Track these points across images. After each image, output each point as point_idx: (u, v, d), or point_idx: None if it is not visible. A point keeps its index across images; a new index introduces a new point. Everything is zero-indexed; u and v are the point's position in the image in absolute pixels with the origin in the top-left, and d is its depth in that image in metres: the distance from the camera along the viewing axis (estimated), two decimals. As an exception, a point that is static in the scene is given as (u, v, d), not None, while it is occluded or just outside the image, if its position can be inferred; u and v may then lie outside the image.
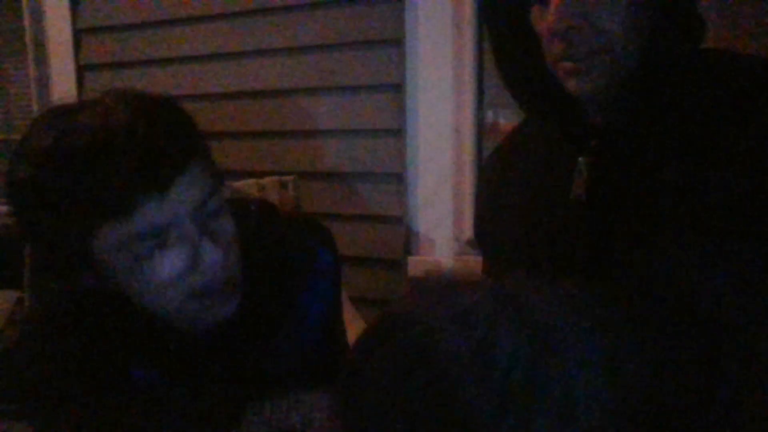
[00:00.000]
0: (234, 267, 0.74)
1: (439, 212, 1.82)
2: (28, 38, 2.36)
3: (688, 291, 0.49)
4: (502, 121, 1.87)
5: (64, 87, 2.33)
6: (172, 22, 2.12)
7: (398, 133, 1.83)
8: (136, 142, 0.63)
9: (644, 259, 0.63)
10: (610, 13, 0.71)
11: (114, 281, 0.70)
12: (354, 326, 1.41)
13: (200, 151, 0.71)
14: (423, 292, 0.39)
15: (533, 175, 0.86)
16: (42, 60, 2.35)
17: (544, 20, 0.74)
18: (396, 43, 1.81)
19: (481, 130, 1.84)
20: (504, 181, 0.92)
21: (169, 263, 0.67)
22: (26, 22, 2.36)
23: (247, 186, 1.62)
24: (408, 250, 1.86)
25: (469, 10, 1.76)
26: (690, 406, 0.41)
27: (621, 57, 0.73)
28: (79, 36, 2.30)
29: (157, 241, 0.66)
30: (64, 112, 0.68)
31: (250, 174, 1.83)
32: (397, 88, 1.82)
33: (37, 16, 2.34)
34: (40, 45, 2.35)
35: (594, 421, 0.36)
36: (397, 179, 1.85)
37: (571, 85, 0.75)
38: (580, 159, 0.78)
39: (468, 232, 1.81)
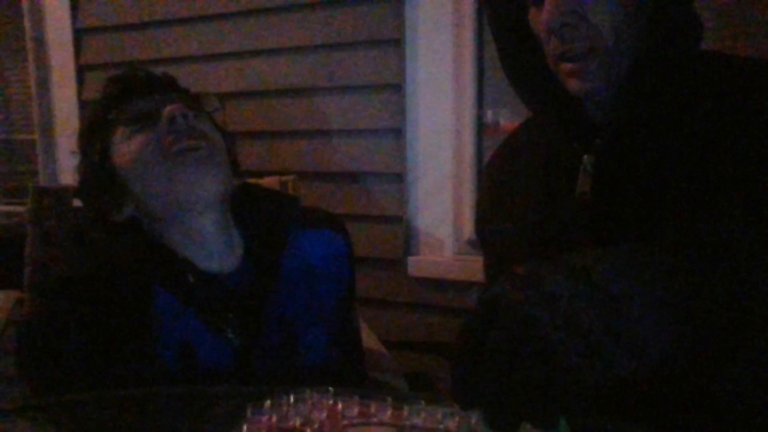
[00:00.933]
0: (212, 151, 0.88)
1: (439, 212, 1.83)
2: (28, 38, 2.36)
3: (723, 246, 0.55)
4: (502, 121, 1.87)
5: (64, 87, 2.33)
6: (172, 22, 2.12)
7: (398, 133, 1.83)
8: (137, 76, 0.93)
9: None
10: (602, 10, 0.72)
11: (139, 196, 0.89)
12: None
13: (180, 92, 0.94)
14: (515, 278, 0.49)
15: (537, 173, 0.87)
16: (42, 60, 2.35)
17: (540, 19, 0.75)
18: (396, 43, 1.81)
19: (481, 130, 1.84)
20: (507, 180, 0.92)
21: (143, 140, 0.87)
22: (26, 22, 2.36)
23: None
24: (408, 250, 1.86)
25: (469, 10, 1.76)
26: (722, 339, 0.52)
27: (614, 55, 0.74)
28: (79, 36, 2.30)
29: (137, 126, 0.88)
30: None
31: (250, 174, 1.83)
32: (397, 88, 1.82)
33: (37, 16, 2.34)
34: (40, 45, 2.35)
35: (658, 355, 0.48)
36: (397, 179, 1.85)
37: (572, 85, 0.76)
38: (585, 157, 0.79)
39: (468, 231, 1.81)
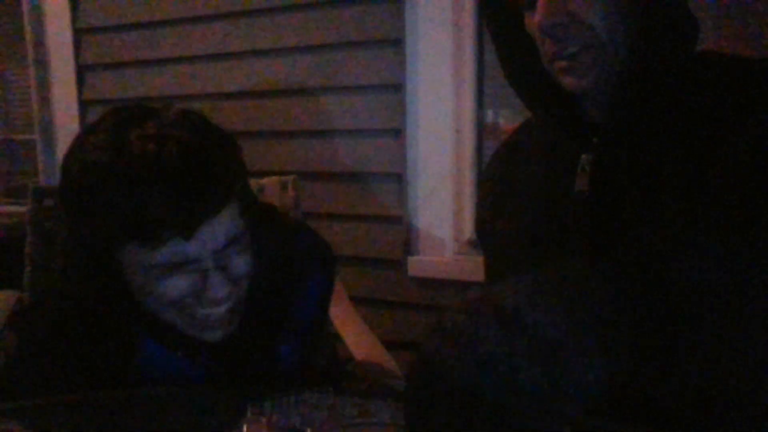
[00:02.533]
0: (237, 301, 0.78)
1: (439, 212, 1.83)
2: (28, 38, 2.36)
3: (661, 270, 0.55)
4: (502, 121, 1.87)
5: (64, 87, 2.33)
6: (172, 22, 2.12)
7: (398, 133, 1.83)
8: (176, 181, 0.68)
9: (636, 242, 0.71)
10: (594, 9, 0.73)
11: (128, 283, 0.76)
12: (352, 326, 1.41)
13: (238, 193, 0.76)
14: (446, 336, 0.48)
15: (536, 173, 0.88)
16: (42, 60, 2.35)
17: (534, 22, 0.76)
18: (396, 43, 1.81)
19: (481, 130, 1.84)
20: (506, 180, 0.93)
21: (176, 288, 0.73)
22: (26, 23, 2.36)
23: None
24: (408, 250, 1.86)
25: (469, 10, 1.76)
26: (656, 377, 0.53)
27: (608, 52, 0.74)
28: (79, 36, 2.30)
29: (171, 270, 0.72)
30: (124, 121, 0.72)
31: (250, 174, 1.83)
32: (397, 88, 1.82)
33: (37, 16, 2.34)
34: (40, 45, 2.35)
35: (598, 391, 0.47)
36: (397, 179, 1.85)
37: (567, 82, 0.77)
38: (583, 156, 0.79)
39: (468, 231, 1.81)
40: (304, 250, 0.95)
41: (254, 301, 0.83)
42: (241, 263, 0.77)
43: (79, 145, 0.73)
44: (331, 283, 0.99)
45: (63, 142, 2.37)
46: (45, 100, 2.37)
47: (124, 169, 0.68)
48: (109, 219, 0.69)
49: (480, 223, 0.99)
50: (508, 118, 1.85)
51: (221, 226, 0.72)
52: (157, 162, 0.67)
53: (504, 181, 0.93)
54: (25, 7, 2.35)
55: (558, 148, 0.85)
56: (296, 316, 0.93)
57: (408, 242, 1.86)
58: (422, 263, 1.84)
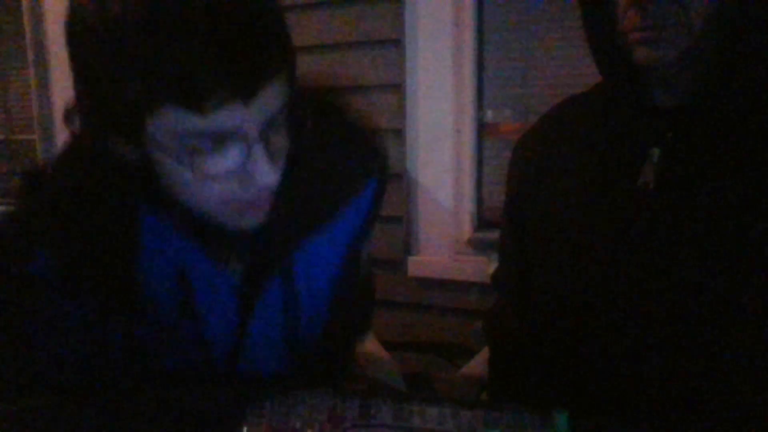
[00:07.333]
0: (276, 184, 0.64)
1: (439, 212, 1.83)
2: (28, 38, 2.37)
3: None
4: (502, 121, 1.87)
5: (64, 87, 2.33)
6: (172, 22, 2.12)
7: (398, 133, 1.83)
8: (233, 33, 0.55)
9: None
10: None
11: (157, 165, 0.62)
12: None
13: (290, 58, 0.64)
14: None
15: (591, 156, 0.84)
16: (42, 60, 2.35)
17: None
18: (396, 43, 1.81)
19: (481, 130, 1.84)
20: (551, 159, 0.89)
21: (221, 166, 0.59)
22: (26, 23, 2.36)
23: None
24: (408, 250, 1.86)
25: (469, 10, 1.76)
26: None
27: (697, 32, 0.70)
28: (79, 36, 2.30)
29: (216, 141, 0.58)
30: None
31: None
32: (397, 88, 1.82)
33: (37, 16, 2.34)
34: (40, 45, 2.35)
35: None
36: (397, 179, 1.85)
37: (640, 53, 0.73)
38: (654, 149, 0.76)
39: (468, 231, 1.81)
40: (356, 160, 0.80)
41: (286, 193, 0.68)
42: (282, 140, 0.64)
43: None
44: (380, 196, 0.83)
45: (63, 142, 2.37)
46: (45, 100, 2.37)
47: (167, 17, 0.53)
48: (147, 78, 0.54)
49: (516, 198, 0.95)
50: (508, 118, 1.85)
51: (275, 94, 0.59)
52: (208, 10, 0.54)
53: (548, 161, 0.89)
54: (25, 7, 2.35)
55: (618, 132, 0.81)
56: (334, 229, 0.78)
57: (408, 242, 1.86)
58: (422, 263, 1.84)
